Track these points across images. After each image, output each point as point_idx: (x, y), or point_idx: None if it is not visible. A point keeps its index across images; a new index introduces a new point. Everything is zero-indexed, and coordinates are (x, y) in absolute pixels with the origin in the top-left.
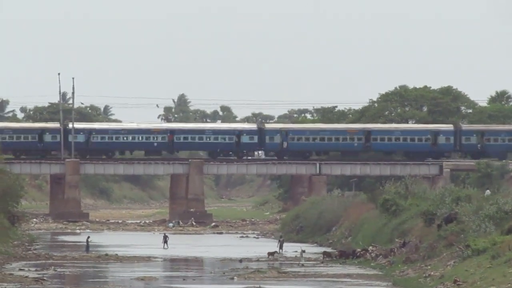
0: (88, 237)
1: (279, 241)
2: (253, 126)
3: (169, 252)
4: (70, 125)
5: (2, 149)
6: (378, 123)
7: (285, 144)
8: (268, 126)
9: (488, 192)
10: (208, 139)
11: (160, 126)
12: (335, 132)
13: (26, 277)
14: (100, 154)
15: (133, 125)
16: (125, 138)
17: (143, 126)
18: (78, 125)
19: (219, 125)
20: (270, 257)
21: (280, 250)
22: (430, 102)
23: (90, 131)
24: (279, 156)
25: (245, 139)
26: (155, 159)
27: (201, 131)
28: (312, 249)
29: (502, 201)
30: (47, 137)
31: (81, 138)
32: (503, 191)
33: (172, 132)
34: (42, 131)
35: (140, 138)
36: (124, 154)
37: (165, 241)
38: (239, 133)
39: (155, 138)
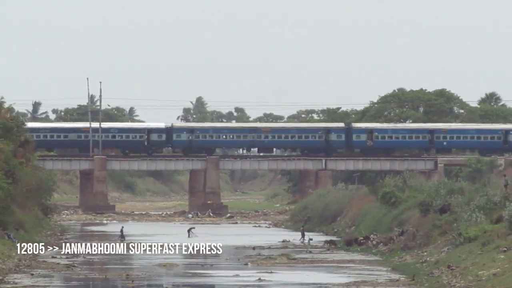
0: (122, 227)
1: (302, 229)
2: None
3: (189, 240)
4: (354, 125)
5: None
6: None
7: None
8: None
9: None
10: None
11: None
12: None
13: (58, 263)
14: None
15: None
16: None
17: None
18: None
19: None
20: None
21: (302, 238)
22: (425, 104)
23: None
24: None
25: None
26: (176, 156)
27: None
28: (318, 238)
29: (491, 193)
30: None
31: None
32: (492, 184)
33: None
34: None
35: None
36: None
37: (189, 231)
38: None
39: None
